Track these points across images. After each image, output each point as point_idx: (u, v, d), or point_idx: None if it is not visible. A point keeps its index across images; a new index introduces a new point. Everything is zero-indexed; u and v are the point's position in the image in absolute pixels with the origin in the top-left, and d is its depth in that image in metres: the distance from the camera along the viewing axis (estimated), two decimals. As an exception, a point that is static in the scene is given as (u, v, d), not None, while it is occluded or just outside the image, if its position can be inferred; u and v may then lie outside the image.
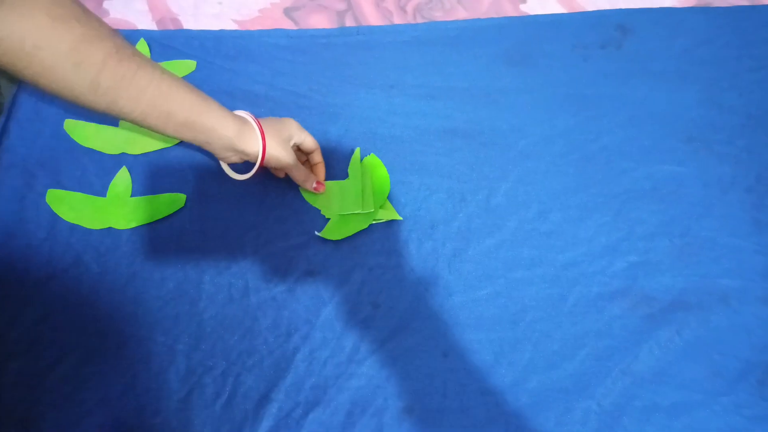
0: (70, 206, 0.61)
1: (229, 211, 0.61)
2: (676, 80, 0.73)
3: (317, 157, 0.63)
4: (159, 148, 0.66)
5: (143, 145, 0.66)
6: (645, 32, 0.78)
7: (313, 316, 0.55)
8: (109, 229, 0.60)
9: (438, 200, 0.63)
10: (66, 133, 0.66)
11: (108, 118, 0.67)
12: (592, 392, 0.51)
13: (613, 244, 0.59)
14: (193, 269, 0.57)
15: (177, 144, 0.66)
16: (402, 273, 0.58)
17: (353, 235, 0.60)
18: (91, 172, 0.63)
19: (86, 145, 0.66)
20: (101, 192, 0.62)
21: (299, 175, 0.60)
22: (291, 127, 0.59)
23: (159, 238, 0.59)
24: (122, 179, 0.63)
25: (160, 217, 0.61)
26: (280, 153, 0.56)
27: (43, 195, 0.61)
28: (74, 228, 0.59)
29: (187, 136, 0.51)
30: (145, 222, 0.60)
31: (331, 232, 0.60)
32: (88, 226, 0.60)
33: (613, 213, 0.61)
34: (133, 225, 0.60)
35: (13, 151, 0.64)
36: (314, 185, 0.61)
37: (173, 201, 0.62)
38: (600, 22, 0.79)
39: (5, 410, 0.49)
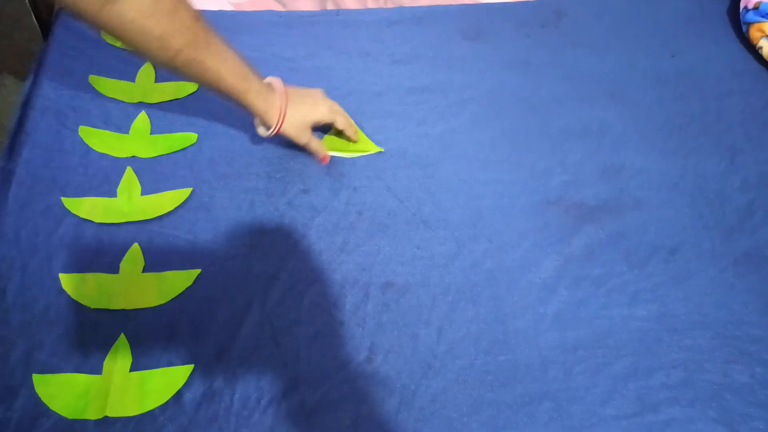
0: (100, 139, 0.71)
1: (235, 145, 0.73)
2: (601, 50, 0.89)
3: (348, 131, 0.72)
4: (173, 98, 0.77)
5: (159, 95, 0.77)
6: (577, 14, 0.95)
7: (309, 221, 0.67)
8: (134, 157, 0.70)
9: (409, 138, 0.76)
10: (91, 85, 0.77)
11: (128, 75, 0.79)
12: (535, 269, 0.64)
13: (551, 167, 0.73)
14: (206, 186, 0.69)
15: (189, 94, 0.78)
16: (381, 191, 0.70)
17: (341, 163, 0.72)
18: (116, 115, 0.74)
19: (109, 96, 0.77)
20: (125, 132, 0.73)
21: (309, 149, 0.71)
22: (319, 110, 0.69)
23: (175, 164, 0.70)
24: (142, 121, 0.74)
25: (176, 149, 0.72)
26: (293, 133, 0.68)
27: (76, 131, 0.72)
28: (104, 156, 0.70)
29: (231, 102, 0.64)
30: (164, 153, 0.71)
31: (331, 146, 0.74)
32: (115, 155, 0.70)
33: (551, 145, 0.76)
34: (153, 155, 0.71)
35: (46, 98, 0.75)
36: (320, 160, 0.71)
37: (187, 138, 0.73)
38: (540, 7, 0.96)
39: (6, 349, 0.55)
